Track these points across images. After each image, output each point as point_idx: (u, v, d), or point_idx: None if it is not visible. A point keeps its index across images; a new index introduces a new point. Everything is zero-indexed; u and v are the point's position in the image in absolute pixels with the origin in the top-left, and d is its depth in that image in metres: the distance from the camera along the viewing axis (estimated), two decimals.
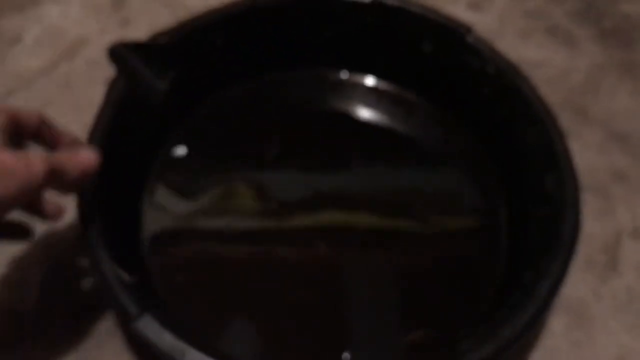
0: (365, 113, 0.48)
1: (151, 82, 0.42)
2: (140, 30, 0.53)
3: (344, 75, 0.49)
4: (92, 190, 0.35)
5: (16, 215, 0.35)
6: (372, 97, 0.48)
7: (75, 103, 0.49)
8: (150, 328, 0.31)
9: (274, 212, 0.43)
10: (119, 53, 0.40)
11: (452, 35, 0.44)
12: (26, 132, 0.33)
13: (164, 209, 0.42)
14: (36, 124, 0.34)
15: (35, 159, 0.30)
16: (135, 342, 0.37)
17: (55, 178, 0.31)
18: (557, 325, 0.40)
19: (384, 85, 0.49)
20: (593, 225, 0.44)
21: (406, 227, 0.42)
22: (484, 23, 0.54)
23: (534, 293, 0.34)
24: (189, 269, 0.40)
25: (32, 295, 0.40)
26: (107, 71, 0.40)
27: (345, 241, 0.42)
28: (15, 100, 0.49)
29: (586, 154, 0.47)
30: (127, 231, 0.39)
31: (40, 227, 0.38)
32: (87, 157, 0.33)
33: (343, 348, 0.37)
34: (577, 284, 0.41)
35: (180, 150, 0.45)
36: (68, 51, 0.52)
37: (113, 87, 0.40)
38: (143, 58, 0.41)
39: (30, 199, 0.34)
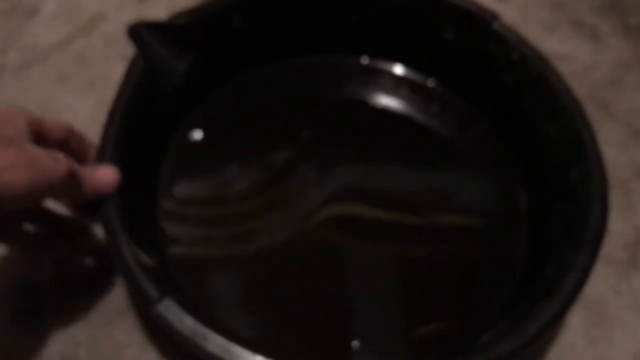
0: (383, 100, 0.47)
1: (170, 63, 0.41)
2: (158, 7, 0.52)
3: (365, 60, 0.48)
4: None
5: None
6: (391, 83, 0.48)
7: (91, 78, 0.48)
8: (171, 312, 0.30)
9: (286, 201, 0.42)
10: (139, 32, 0.40)
11: (477, 22, 0.43)
12: (51, 140, 0.33)
13: (179, 193, 0.42)
14: (63, 134, 0.34)
15: (60, 156, 0.31)
16: (152, 325, 0.37)
17: (73, 183, 0.32)
18: (575, 321, 0.40)
19: (405, 72, 0.48)
20: (614, 222, 0.43)
21: (421, 220, 0.42)
22: (508, 14, 0.53)
23: (559, 288, 0.33)
24: (201, 255, 0.40)
25: (46, 271, 0.39)
26: (124, 48, 0.40)
27: (356, 233, 0.41)
28: (31, 73, 0.48)
29: (608, 149, 0.46)
30: (145, 214, 0.39)
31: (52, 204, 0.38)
32: (106, 174, 0.34)
33: (352, 337, 0.37)
34: (596, 280, 0.41)
35: (197, 134, 0.44)
36: (85, 26, 0.51)
37: (132, 68, 0.39)
38: (162, 38, 0.40)
39: (53, 195, 0.33)
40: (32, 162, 0.29)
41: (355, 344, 0.37)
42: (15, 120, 0.31)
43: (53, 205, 0.37)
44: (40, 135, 0.33)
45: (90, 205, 0.34)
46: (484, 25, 0.42)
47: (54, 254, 0.40)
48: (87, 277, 0.40)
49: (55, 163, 0.31)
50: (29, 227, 0.36)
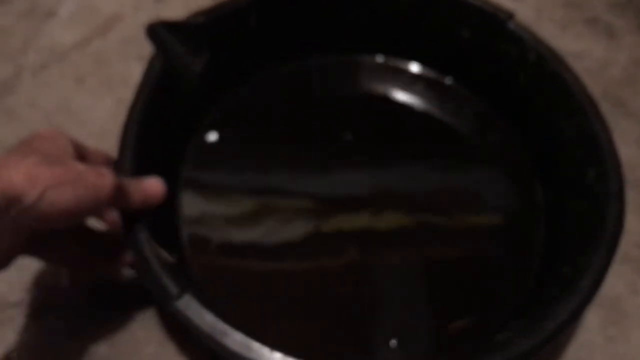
0: (399, 97, 0.47)
1: (187, 62, 0.42)
2: (174, 8, 0.52)
3: (380, 59, 0.48)
4: (131, 173, 0.35)
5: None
6: (407, 82, 0.48)
7: (108, 79, 0.49)
8: (191, 308, 0.31)
9: (303, 202, 0.42)
10: (157, 31, 0.40)
11: (492, 21, 0.43)
12: (92, 162, 0.34)
13: (198, 192, 0.42)
14: (102, 162, 0.35)
15: (105, 170, 0.31)
16: (173, 321, 0.37)
17: (120, 197, 0.32)
18: (592, 320, 0.40)
19: (420, 70, 0.48)
20: (630, 221, 0.42)
21: (439, 221, 0.42)
22: (522, 12, 0.53)
23: (576, 286, 0.33)
24: (220, 255, 0.40)
25: (63, 269, 0.40)
26: (141, 48, 0.40)
27: (380, 234, 0.41)
28: (49, 73, 0.48)
29: (623, 148, 0.46)
30: (164, 213, 0.39)
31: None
32: (152, 186, 0.34)
33: (390, 336, 0.37)
34: (613, 279, 0.40)
35: (213, 136, 0.45)
36: (102, 27, 0.51)
37: (150, 68, 0.39)
38: (180, 38, 0.41)
39: (99, 211, 0.34)
40: (78, 179, 0.29)
41: (393, 342, 0.37)
42: (59, 139, 0.31)
43: (96, 224, 0.37)
44: (83, 158, 0.33)
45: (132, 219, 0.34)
46: (499, 25, 0.43)
47: (95, 273, 0.40)
48: (107, 275, 0.40)
49: (101, 179, 0.30)
50: (72, 245, 0.36)
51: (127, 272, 0.39)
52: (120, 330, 0.38)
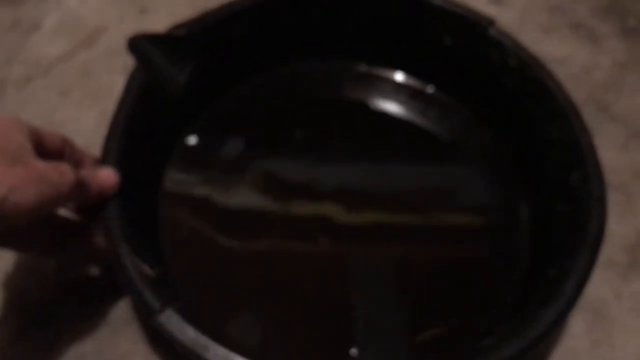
0: (383, 105, 0.47)
1: (170, 74, 0.42)
2: (158, 19, 0.52)
3: (364, 67, 0.49)
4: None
5: None
6: (390, 89, 0.48)
7: (94, 91, 0.49)
8: (173, 322, 0.31)
9: (285, 203, 0.42)
10: (138, 45, 0.40)
11: (473, 28, 0.43)
12: (49, 151, 0.34)
13: (181, 199, 0.42)
14: (59, 144, 0.35)
15: (66, 167, 0.32)
16: (155, 335, 0.37)
17: (80, 191, 0.32)
18: (577, 325, 0.40)
19: (404, 78, 0.48)
20: (614, 224, 0.43)
21: (422, 221, 0.42)
22: (506, 17, 0.53)
23: (559, 291, 0.33)
24: (204, 261, 0.40)
25: (49, 282, 0.40)
26: (126, 60, 0.40)
27: (357, 235, 0.41)
28: (34, 86, 0.48)
29: (608, 152, 0.46)
30: (147, 223, 0.39)
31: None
32: (107, 176, 0.35)
33: (351, 344, 0.37)
34: (597, 283, 0.41)
35: (200, 141, 0.45)
36: (87, 39, 0.51)
37: (132, 80, 0.39)
38: (162, 50, 0.41)
39: (60, 206, 0.34)
40: (41, 178, 0.30)
41: (353, 351, 0.37)
42: (16, 132, 0.31)
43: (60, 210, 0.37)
44: (41, 146, 0.33)
45: (92, 208, 0.35)
46: (480, 32, 0.43)
47: (66, 258, 0.40)
48: (94, 288, 0.40)
49: (62, 176, 0.31)
50: (38, 233, 0.36)
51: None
52: (106, 342, 0.38)
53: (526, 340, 0.32)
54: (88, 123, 0.47)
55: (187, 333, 0.30)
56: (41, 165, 0.31)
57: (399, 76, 0.48)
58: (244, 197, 0.43)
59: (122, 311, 0.39)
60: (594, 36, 0.53)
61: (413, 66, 0.47)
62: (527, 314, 0.33)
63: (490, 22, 0.43)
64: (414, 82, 0.48)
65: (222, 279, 0.39)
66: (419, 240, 0.41)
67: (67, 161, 0.34)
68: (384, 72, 0.48)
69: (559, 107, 0.40)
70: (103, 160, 0.36)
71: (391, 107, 0.47)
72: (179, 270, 0.38)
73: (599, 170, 0.37)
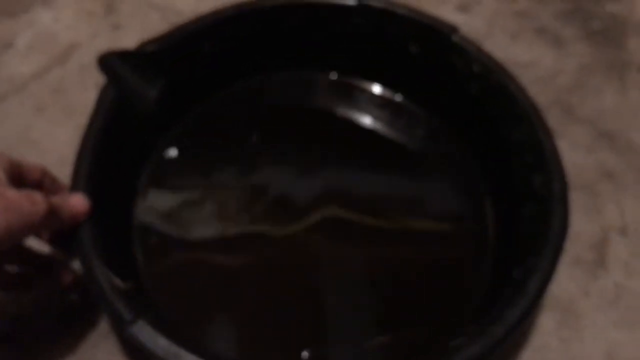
0: (352, 113, 0.48)
1: (141, 90, 0.42)
2: (131, 35, 0.53)
3: (332, 77, 0.49)
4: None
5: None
6: (359, 98, 0.49)
7: (68, 107, 0.49)
8: (145, 333, 0.31)
9: (254, 213, 0.43)
10: (109, 62, 0.41)
11: (437, 36, 0.44)
12: (29, 182, 0.34)
13: (156, 212, 0.43)
14: (38, 176, 0.35)
15: (37, 196, 0.32)
16: (130, 346, 0.38)
17: (52, 218, 0.33)
18: (546, 323, 0.41)
19: (372, 87, 0.49)
20: (581, 223, 0.44)
21: (389, 229, 0.43)
22: (473, 24, 0.55)
23: (524, 290, 0.34)
24: (179, 271, 0.41)
25: (27, 297, 0.40)
26: (100, 76, 0.41)
27: (327, 238, 0.42)
28: (8, 104, 0.49)
29: (574, 152, 0.48)
30: (120, 235, 0.40)
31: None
32: (78, 202, 0.35)
33: (304, 346, 0.38)
34: (566, 281, 0.42)
35: (172, 153, 0.45)
36: (60, 56, 0.52)
37: (103, 94, 0.40)
38: (132, 66, 0.42)
39: (30, 235, 0.34)
40: (10, 206, 0.30)
41: (304, 354, 0.37)
42: None
43: (32, 242, 0.37)
44: (19, 177, 0.34)
45: (63, 237, 0.35)
46: (444, 39, 0.44)
47: (36, 291, 0.40)
48: (69, 305, 0.40)
49: (33, 205, 0.31)
50: (9, 267, 0.36)
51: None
52: (84, 355, 0.38)
53: (492, 338, 0.33)
54: (63, 139, 0.47)
55: (159, 343, 0.31)
56: (13, 194, 0.31)
57: (368, 85, 0.49)
58: (214, 207, 0.43)
59: (99, 324, 0.39)
60: (559, 40, 0.54)
61: (381, 75, 0.48)
62: (493, 314, 0.34)
63: (453, 29, 0.44)
64: (382, 91, 0.49)
65: (194, 289, 0.40)
66: (389, 244, 0.42)
67: (45, 193, 0.34)
68: (352, 82, 0.49)
69: (521, 111, 0.41)
70: (74, 176, 0.37)
71: (360, 116, 0.48)
72: (152, 281, 0.39)
73: (562, 172, 0.38)
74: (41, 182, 0.36)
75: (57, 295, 0.40)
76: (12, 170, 0.33)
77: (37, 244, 0.37)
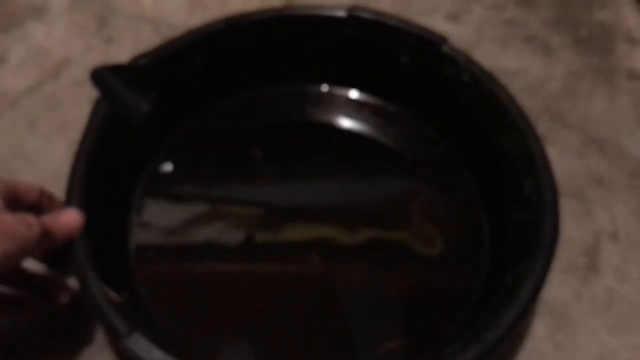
0: (344, 123, 0.48)
1: (134, 104, 0.43)
2: (124, 49, 0.53)
3: (324, 88, 0.50)
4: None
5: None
6: (352, 109, 0.49)
7: (61, 122, 0.49)
8: (141, 346, 0.31)
9: (257, 224, 0.43)
10: (101, 76, 0.41)
11: (428, 46, 0.45)
12: (26, 204, 0.35)
13: (151, 225, 0.43)
14: (36, 197, 0.35)
15: (31, 219, 0.32)
16: (125, 359, 0.38)
17: (46, 239, 0.33)
18: (540, 328, 0.41)
19: (364, 97, 0.49)
20: (573, 229, 0.45)
21: (383, 235, 0.43)
22: (463, 33, 0.55)
23: (516, 296, 0.34)
24: (176, 285, 0.41)
25: (22, 319, 0.40)
26: (92, 90, 0.41)
27: (322, 251, 0.42)
28: (1, 120, 0.49)
29: (564, 159, 0.48)
30: (116, 249, 0.40)
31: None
32: (72, 218, 0.35)
33: (300, 358, 0.38)
34: (558, 287, 0.42)
35: (167, 167, 0.46)
36: (53, 70, 0.52)
37: (97, 109, 0.40)
38: (125, 80, 0.42)
39: (26, 258, 0.34)
40: (7, 232, 0.30)
41: None
42: None
43: (29, 264, 0.37)
44: (16, 200, 0.34)
45: (57, 254, 0.35)
46: (434, 49, 0.44)
47: (33, 314, 0.40)
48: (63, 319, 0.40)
49: (28, 228, 0.31)
50: (5, 290, 0.36)
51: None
52: None
53: (485, 344, 0.33)
54: (56, 154, 0.47)
55: (155, 355, 0.31)
56: (9, 218, 0.31)
57: (360, 95, 0.49)
58: (210, 221, 0.43)
59: (95, 337, 0.40)
60: (548, 48, 0.55)
61: (373, 85, 0.49)
62: (486, 320, 0.34)
63: (443, 39, 0.44)
64: (374, 101, 0.49)
65: (198, 302, 0.40)
66: (383, 252, 0.43)
67: (43, 212, 0.35)
68: (345, 92, 0.49)
69: (511, 118, 0.41)
70: (68, 191, 0.37)
71: (353, 126, 0.48)
72: (148, 294, 0.39)
73: (552, 178, 0.39)
74: (39, 203, 0.36)
75: (53, 312, 0.40)
76: (9, 193, 0.33)
77: (31, 264, 0.37)
